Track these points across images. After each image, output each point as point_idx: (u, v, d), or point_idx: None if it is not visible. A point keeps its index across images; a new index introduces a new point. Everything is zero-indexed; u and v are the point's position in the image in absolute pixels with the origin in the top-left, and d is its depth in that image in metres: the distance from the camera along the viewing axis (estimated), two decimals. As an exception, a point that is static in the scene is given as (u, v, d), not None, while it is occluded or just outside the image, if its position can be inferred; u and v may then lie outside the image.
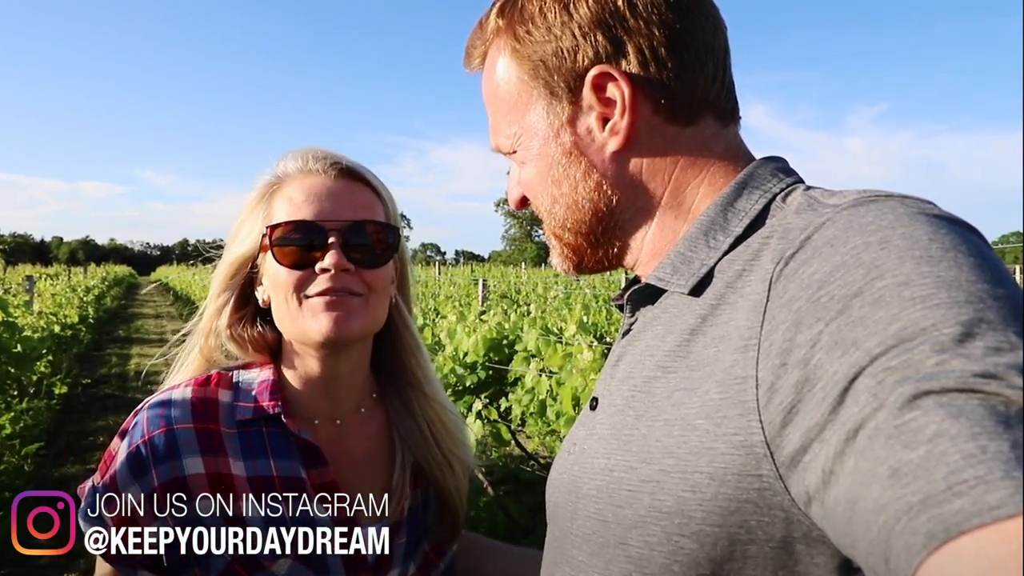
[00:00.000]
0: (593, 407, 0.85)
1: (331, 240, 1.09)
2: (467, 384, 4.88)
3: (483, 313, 7.04)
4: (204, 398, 1.13)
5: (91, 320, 15.37)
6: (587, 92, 0.79)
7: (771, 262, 0.67)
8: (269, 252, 1.12)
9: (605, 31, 0.78)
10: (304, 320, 1.09)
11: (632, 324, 0.85)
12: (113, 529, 1.06)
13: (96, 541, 1.07)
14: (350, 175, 1.15)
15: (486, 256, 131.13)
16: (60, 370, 9.77)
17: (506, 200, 0.97)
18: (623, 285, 0.96)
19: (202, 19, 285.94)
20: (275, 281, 1.11)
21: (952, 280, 0.54)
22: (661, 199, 0.82)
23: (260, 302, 1.17)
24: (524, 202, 0.92)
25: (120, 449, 1.10)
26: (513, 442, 5.14)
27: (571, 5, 0.79)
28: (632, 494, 0.70)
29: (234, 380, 1.16)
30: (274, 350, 1.19)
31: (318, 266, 1.08)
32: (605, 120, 0.80)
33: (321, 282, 1.08)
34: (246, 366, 1.19)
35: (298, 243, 1.09)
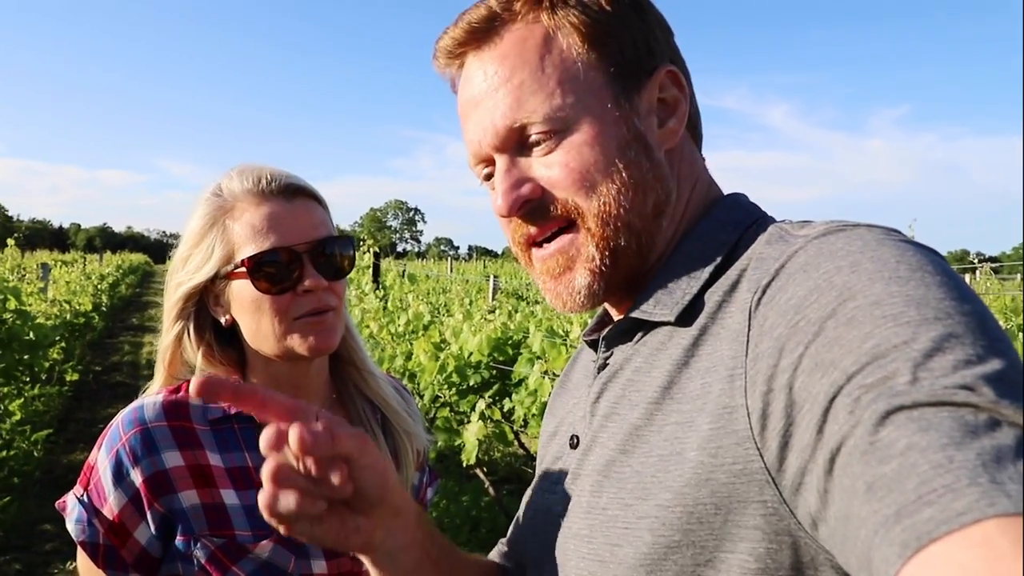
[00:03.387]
0: (573, 445, 0.84)
1: (306, 262, 1.14)
2: (471, 383, 4.88)
3: (491, 312, 7.05)
4: (175, 401, 1.18)
5: (104, 308, 15.48)
6: (652, 86, 0.82)
7: (748, 292, 0.70)
8: (237, 279, 1.15)
9: (667, 41, 0.85)
10: (291, 340, 1.15)
11: (608, 359, 0.85)
12: (102, 534, 1.09)
13: (86, 548, 1.10)
14: (301, 193, 1.19)
15: (499, 252, 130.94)
16: (72, 357, 9.86)
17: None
18: (593, 321, 0.95)
19: (222, 8, 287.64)
20: (255, 306, 1.14)
21: (921, 298, 0.56)
22: (685, 208, 0.85)
23: (223, 323, 1.20)
24: (526, 203, 0.81)
25: (99, 458, 1.14)
26: (516, 442, 5.15)
27: (639, 5, 0.83)
28: (629, 531, 0.70)
29: None
30: (240, 361, 1.24)
31: (300, 288, 1.14)
32: (659, 119, 0.83)
33: (305, 304, 1.15)
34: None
35: (278, 270, 1.13)
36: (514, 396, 4.58)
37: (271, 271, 1.12)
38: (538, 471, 0.95)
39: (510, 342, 5.10)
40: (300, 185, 1.19)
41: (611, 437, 0.77)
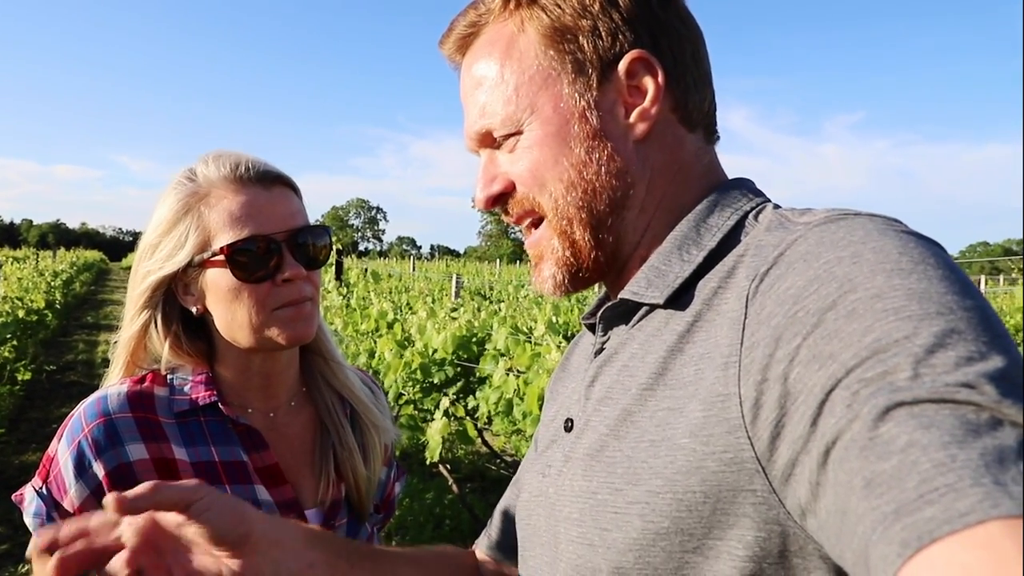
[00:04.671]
0: (568, 428, 0.84)
1: (284, 251, 1.12)
2: (435, 381, 4.87)
3: (454, 310, 7.04)
4: (140, 392, 1.15)
5: (58, 305, 15.11)
6: (620, 75, 0.80)
7: (746, 279, 0.68)
8: (213, 268, 1.12)
9: (645, 22, 0.80)
10: (269, 330, 1.13)
11: (605, 343, 0.85)
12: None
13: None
14: (279, 182, 1.17)
15: (462, 251, 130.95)
16: (25, 356, 9.62)
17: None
18: (593, 303, 0.96)
19: (182, 5, 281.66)
20: (231, 295, 1.12)
21: (923, 292, 0.55)
22: (664, 200, 0.83)
23: (193, 312, 1.17)
24: (498, 200, 0.86)
25: (60, 450, 1.10)
26: (479, 440, 5.16)
27: None
28: (619, 516, 0.70)
29: (168, 379, 1.19)
30: (207, 352, 1.22)
31: (279, 277, 1.11)
32: (627, 108, 0.80)
33: (284, 293, 1.13)
34: (178, 366, 1.21)
35: (257, 258, 1.10)
36: (478, 393, 4.59)
37: (250, 259, 1.10)
38: (532, 453, 0.96)
39: (475, 339, 5.11)
40: (277, 173, 1.17)
41: (603, 421, 0.77)
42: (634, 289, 0.80)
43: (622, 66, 0.79)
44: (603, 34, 0.79)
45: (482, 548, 1.10)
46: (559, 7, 0.80)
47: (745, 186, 0.84)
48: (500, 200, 0.86)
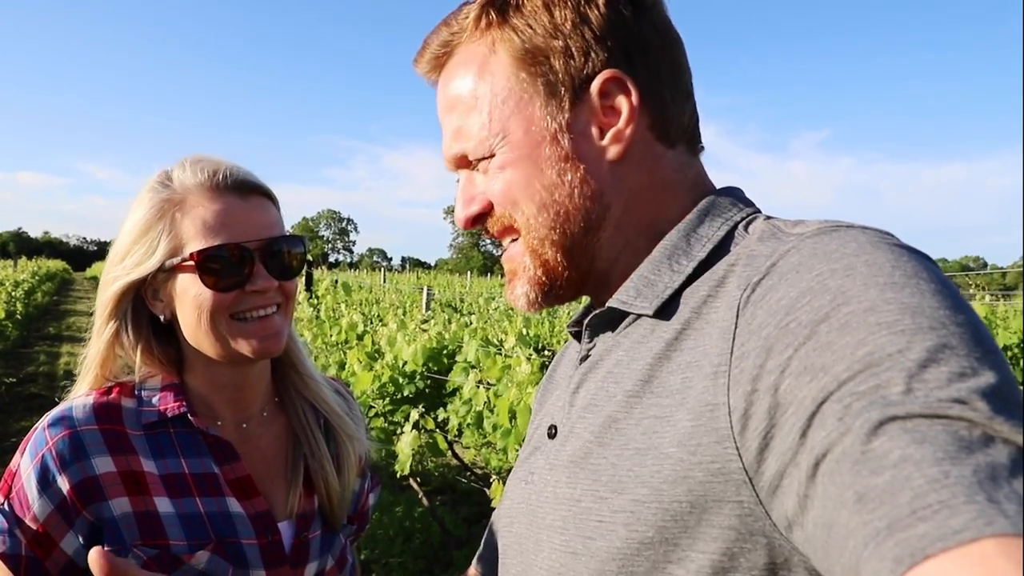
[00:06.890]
0: (551, 435, 0.83)
1: (256, 261, 1.11)
2: (405, 393, 4.85)
3: (425, 322, 7.03)
4: (106, 403, 1.13)
5: (19, 316, 14.79)
6: (593, 96, 0.78)
7: (737, 288, 0.67)
8: (182, 273, 1.11)
9: (618, 39, 0.78)
10: (236, 341, 1.12)
11: (590, 350, 0.84)
12: (24, 545, 1.04)
13: (6, 561, 1.04)
14: (256, 191, 1.16)
15: (432, 263, 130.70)
16: (-17, 368, 9.39)
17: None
18: (579, 311, 0.95)
19: (151, 10, 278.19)
20: (197, 303, 1.10)
21: (915, 306, 0.55)
22: (643, 218, 0.82)
23: (161, 319, 1.16)
24: (477, 219, 0.86)
25: (23, 464, 1.08)
26: (450, 452, 5.14)
27: (582, 7, 0.78)
28: (603, 524, 0.69)
29: (136, 390, 1.17)
30: (177, 360, 1.20)
31: (248, 287, 1.11)
32: (602, 128, 0.79)
33: (251, 302, 1.12)
34: (147, 377, 1.19)
35: (227, 266, 1.09)
36: (449, 406, 4.58)
37: (220, 267, 1.09)
38: (518, 461, 0.95)
39: (445, 352, 5.10)
40: (255, 182, 1.15)
41: (588, 428, 0.76)
42: (622, 298, 0.79)
43: (595, 87, 0.78)
44: (575, 54, 0.78)
45: (472, 568, 1.08)
46: (531, 27, 0.78)
47: (735, 196, 0.83)
48: (479, 220, 0.86)
